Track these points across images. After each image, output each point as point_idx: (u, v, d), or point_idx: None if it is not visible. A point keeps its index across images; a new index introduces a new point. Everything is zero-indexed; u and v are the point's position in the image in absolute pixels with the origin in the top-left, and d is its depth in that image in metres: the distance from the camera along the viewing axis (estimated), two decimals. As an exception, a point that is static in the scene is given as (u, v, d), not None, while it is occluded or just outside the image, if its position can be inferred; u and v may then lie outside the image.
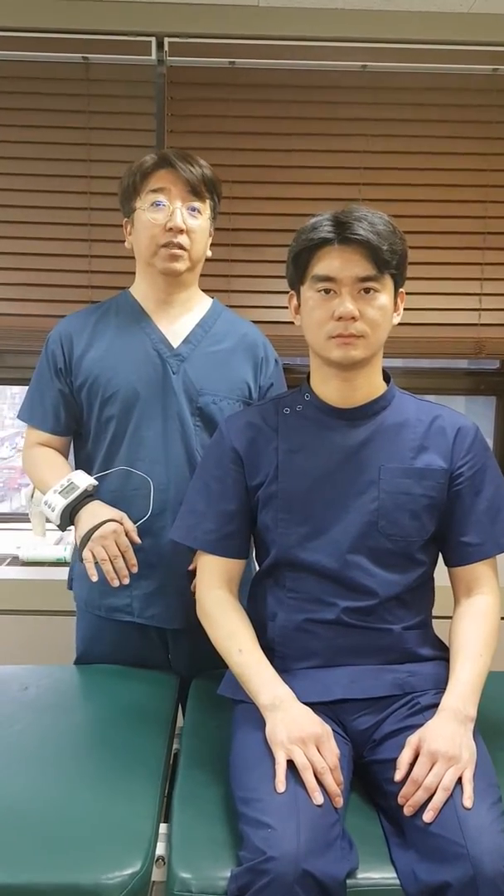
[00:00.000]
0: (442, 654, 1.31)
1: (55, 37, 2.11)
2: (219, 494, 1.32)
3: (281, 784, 1.05)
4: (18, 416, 1.61)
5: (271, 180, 2.22)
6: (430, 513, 1.27)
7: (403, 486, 1.26)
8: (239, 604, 1.33)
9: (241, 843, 1.02)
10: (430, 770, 1.07)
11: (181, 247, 1.45)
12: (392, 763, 1.12)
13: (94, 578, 1.38)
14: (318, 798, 1.04)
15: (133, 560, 1.40)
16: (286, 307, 1.33)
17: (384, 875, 1.03)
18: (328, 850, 0.99)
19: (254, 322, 1.65)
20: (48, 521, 1.49)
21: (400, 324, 1.30)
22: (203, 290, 1.62)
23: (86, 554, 1.38)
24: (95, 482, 1.46)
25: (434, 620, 1.36)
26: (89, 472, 1.51)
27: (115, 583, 1.38)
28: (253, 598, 1.38)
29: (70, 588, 1.65)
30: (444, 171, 2.23)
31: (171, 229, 1.44)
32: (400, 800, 1.07)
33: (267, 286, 2.23)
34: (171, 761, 1.34)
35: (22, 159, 2.19)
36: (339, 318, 1.20)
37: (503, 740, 1.29)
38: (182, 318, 1.55)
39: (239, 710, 1.26)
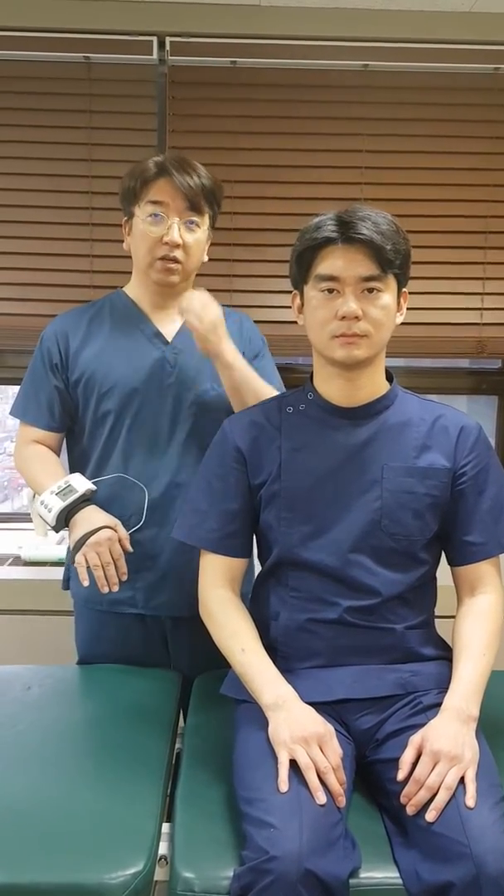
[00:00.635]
0: (444, 653, 1.31)
1: (57, 36, 2.11)
2: (221, 493, 1.32)
3: (284, 784, 1.05)
4: (11, 413, 1.60)
5: (273, 180, 2.22)
6: (433, 512, 1.27)
7: (406, 485, 1.26)
8: (241, 603, 1.33)
9: (243, 842, 1.02)
10: (433, 770, 1.07)
11: (177, 260, 1.46)
12: (395, 762, 1.12)
13: (86, 583, 1.39)
14: (321, 798, 1.04)
15: (124, 569, 1.42)
16: (288, 307, 1.33)
17: (387, 874, 1.03)
18: (331, 850, 0.99)
19: (256, 322, 1.66)
20: (41, 519, 1.49)
21: (402, 323, 1.30)
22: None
23: (79, 559, 1.39)
24: (94, 487, 1.47)
25: (437, 620, 1.36)
26: (85, 468, 1.54)
27: (105, 590, 1.40)
28: (255, 598, 1.38)
29: (66, 588, 1.65)
30: (446, 171, 2.23)
31: (167, 243, 1.45)
32: (402, 799, 1.07)
33: (269, 286, 2.23)
34: (174, 761, 1.34)
35: (24, 159, 2.19)
36: (343, 318, 1.20)
37: (506, 740, 1.29)
38: (175, 315, 1.56)
39: (241, 710, 1.26)
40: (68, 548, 1.63)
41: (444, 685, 1.22)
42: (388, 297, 1.22)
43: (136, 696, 1.46)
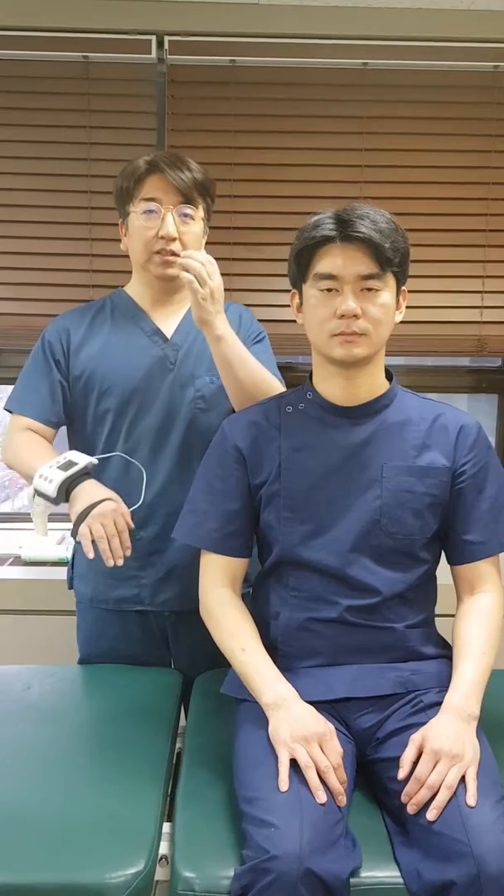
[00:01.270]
0: (445, 652, 1.31)
1: (55, 36, 2.10)
2: (222, 493, 1.32)
3: (284, 783, 1.05)
4: (6, 406, 1.56)
5: (272, 178, 2.21)
6: (432, 511, 1.27)
7: (406, 484, 1.26)
8: (242, 602, 1.33)
9: (244, 841, 1.02)
10: (434, 768, 1.07)
11: (174, 253, 1.46)
12: (395, 761, 1.12)
13: (91, 556, 1.34)
14: (322, 797, 1.04)
15: (128, 542, 1.37)
16: (288, 305, 1.33)
17: (388, 874, 1.03)
18: (331, 849, 0.99)
19: (256, 320, 1.65)
20: (40, 495, 1.39)
21: (402, 321, 1.30)
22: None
23: (83, 530, 1.33)
24: (95, 461, 1.43)
25: (437, 619, 1.36)
26: None
27: (111, 563, 1.34)
28: (256, 597, 1.38)
29: (71, 588, 1.65)
30: (446, 169, 2.22)
31: (162, 237, 1.45)
32: (403, 798, 1.08)
33: (268, 285, 2.23)
34: (174, 760, 1.34)
35: (22, 158, 2.19)
36: (342, 316, 1.20)
37: (506, 738, 1.29)
38: (175, 313, 1.57)
39: (242, 709, 1.26)
40: (75, 548, 1.63)
41: (444, 684, 1.22)
42: (387, 295, 1.22)
43: (137, 696, 1.46)
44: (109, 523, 1.35)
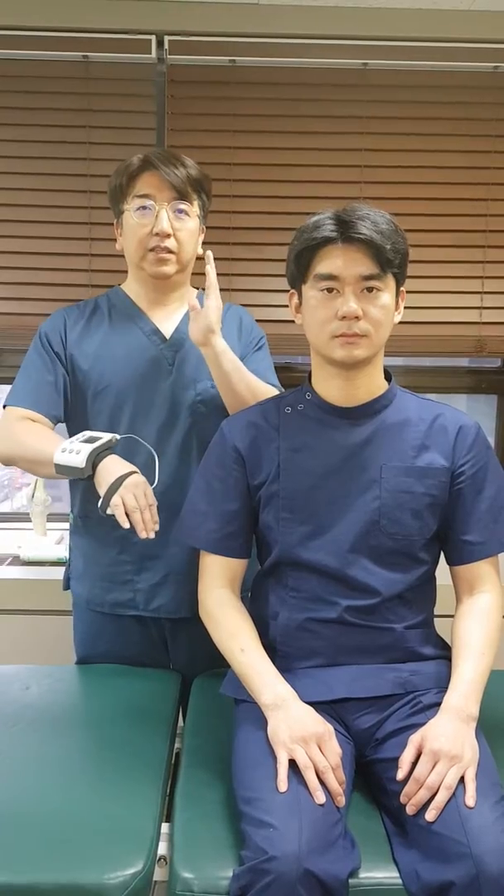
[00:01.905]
0: (444, 652, 1.31)
1: (55, 35, 2.11)
2: (221, 494, 1.32)
3: (283, 783, 1.05)
4: (6, 403, 1.52)
5: (272, 178, 2.21)
6: (431, 511, 1.27)
7: (405, 484, 1.26)
8: (241, 603, 1.33)
9: (243, 842, 1.02)
10: (433, 769, 1.07)
11: (169, 250, 1.45)
12: (394, 762, 1.12)
13: (126, 525, 1.31)
14: (320, 797, 1.04)
15: (157, 517, 1.36)
16: (287, 305, 1.33)
17: (387, 874, 1.03)
18: (330, 850, 0.98)
19: (255, 321, 1.65)
20: (63, 470, 1.36)
21: (401, 322, 1.30)
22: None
23: (116, 500, 1.31)
24: (118, 437, 1.42)
25: (436, 619, 1.36)
26: None
27: (143, 535, 1.33)
28: (255, 598, 1.38)
29: (67, 588, 1.65)
30: (446, 169, 2.23)
31: (157, 234, 1.44)
32: (402, 799, 1.07)
33: (268, 285, 2.23)
34: (173, 761, 1.34)
35: (22, 158, 2.19)
36: (343, 318, 1.20)
37: (505, 739, 1.29)
38: (174, 313, 1.56)
39: (240, 710, 1.26)
40: (70, 547, 1.63)
41: (443, 684, 1.22)
42: (387, 296, 1.22)
43: (136, 696, 1.46)
44: (141, 495, 1.33)
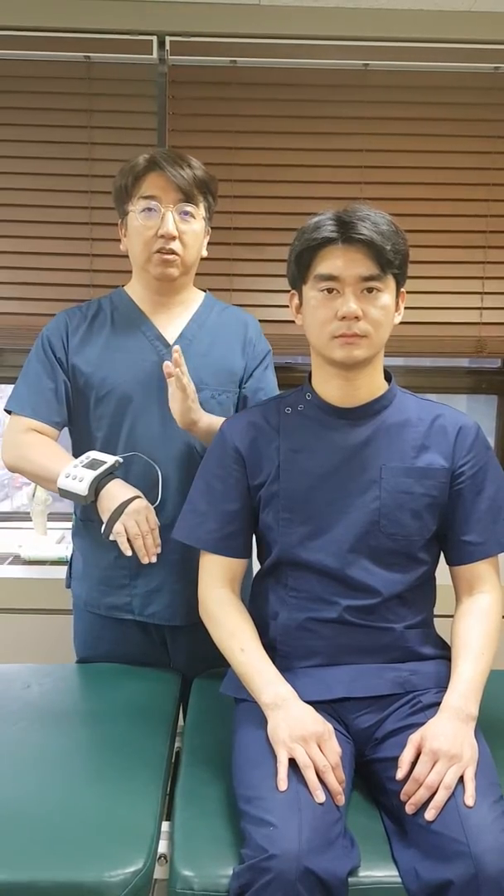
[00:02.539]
0: (443, 652, 1.31)
1: (57, 36, 2.11)
2: (221, 494, 1.33)
3: (283, 782, 1.05)
4: (6, 408, 1.53)
5: (273, 179, 2.22)
6: (431, 512, 1.28)
7: (405, 485, 1.26)
8: (241, 603, 1.33)
9: (243, 841, 1.02)
10: (432, 768, 1.07)
11: (174, 252, 1.45)
12: (394, 761, 1.12)
13: (129, 553, 1.36)
14: (320, 796, 1.04)
15: (159, 540, 1.39)
16: (288, 306, 1.33)
17: (386, 873, 1.04)
18: (330, 848, 0.99)
19: (261, 331, 1.64)
20: (67, 495, 1.39)
21: (401, 322, 1.30)
22: (202, 289, 1.62)
23: (118, 528, 1.36)
24: (121, 459, 1.43)
25: (436, 619, 1.36)
26: None
27: (146, 560, 1.38)
28: (254, 598, 1.38)
29: (69, 587, 1.65)
30: (446, 170, 2.23)
31: (162, 236, 1.43)
32: (402, 798, 1.08)
33: (269, 285, 2.23)
34: (173, 759, 1.34)
35: (24, 158, 2.19)
36: (343, 318, 1.20)
37: (504, 739, 1.29)
38: (178, 316, 1.55)
39: (241, 709, 1.26)
40: (73, 548, 1.63)
41: (443, 684, 1.23)
42: (387, 297, 1.22)
43: (136, 695, 1.46)
44: (143, 521, 1.37)
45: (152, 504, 1.42)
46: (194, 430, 1.43)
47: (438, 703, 1.18)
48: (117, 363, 1.50)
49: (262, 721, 1.16)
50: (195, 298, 1.58)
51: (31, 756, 1.27)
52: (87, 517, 1.54)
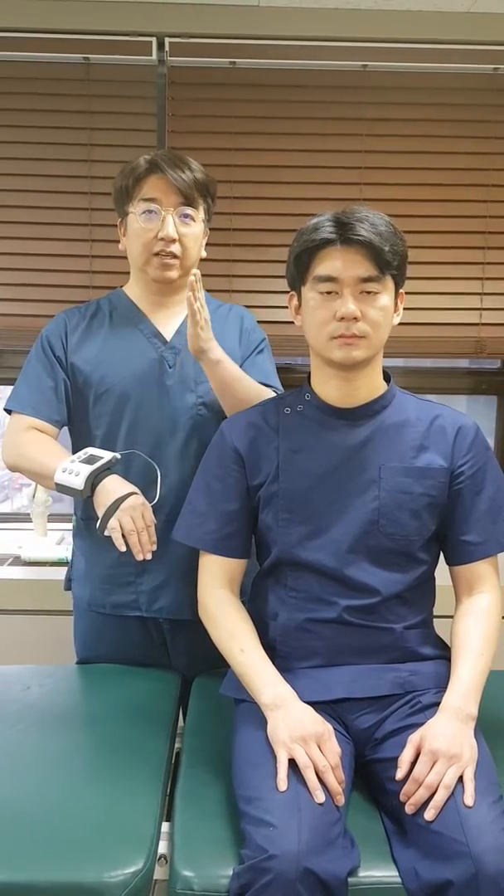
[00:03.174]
0: (443, 652, 1.31)
1: (56, 37, 2.11)
2: (220, 494, 1.33)
3: (282, 783, 1.05)
4: (6, 406, 1.53)
5: (272, 180, 2.22)
6: (430, 512, 1.28)
7: (404, 485, 1.26)
8: (240, 603, 1.33)
9: (242, 841, 1.02)
10: (432, 768, 1.07)
11: (173, 255, 1.45)
12: (393, 762, 1.12)
13: (123, 549, 1.35)
14: (320, 796, 1.04)
15: (154, 537, 1.38)
16: (287, 307, 1.33)
17: (386, 873, 1.04)
18: (330, 849, 0.99)
19: (257, 323, 1.65)
20: (63, 489, 1.38)
21: (401, 323, 1.31)
22: (205, 290, 1.62)
23: (113, 523, 1.34)
24: (119, 455, 1.43)
25: (435, 619, 1.36)
26: None
27: (140, 557, 1.36)
28: (254, 598, 1.39)
29: (68, 589, 1.65)
30: (445, 171, 2.23)
31: (162, 239, 1.44)
32: (401, 798, 1.08)
33: (268, 286, 2.24)
34: (173, 760, 1.34)
35: (23, 160, 2.20)
36: (342, 319, 1.20)
37: (504, 739, 1.30)
38: (175, 315, 1.55)
39: (240, 710, 1.26)
40: (73, 549, 1.63)
41: (442, 684, 1.23)
42: (386, 298, 1.22)
43: (136, 696, 1.46)
44: (138, 517, 1.36)
45: (150, 502, 1.42)
46: (203, 360, 1.41)
47: (438, 704, 1.18)
48: (116, 361, 1.51)
49: (262, 721, 1.16)
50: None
51: (31, 757, 1.27)
52: (87, 516, 1.54)
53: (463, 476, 1.28)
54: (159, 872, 1.07)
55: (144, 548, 1.37)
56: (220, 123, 2.20)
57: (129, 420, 1.50)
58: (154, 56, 2.13)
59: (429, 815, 1.04)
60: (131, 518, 1.35)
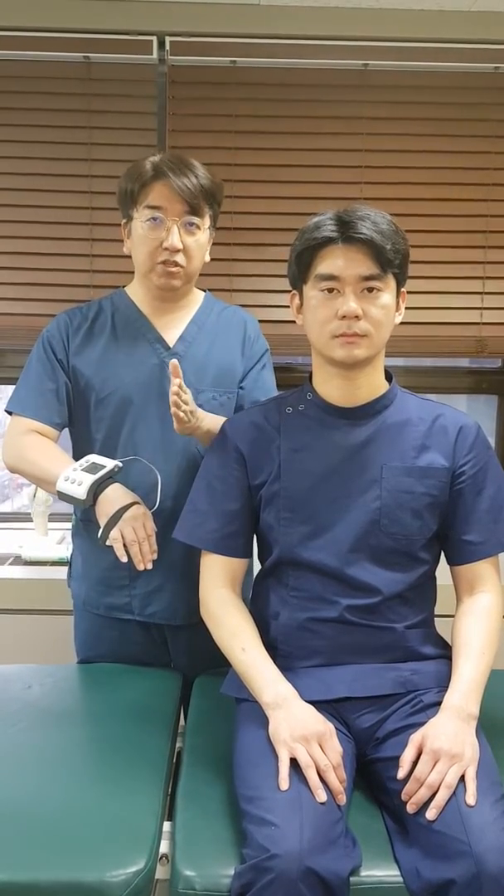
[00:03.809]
0: (444, 652, 1.31)
1: (57, 36, 2.11)
2: (222, 494, 1.33)
3: (284, 782, 1.05)
4: (7, 408, 1.52)
5: (273, 179, 2.22)
6: (431, 511, 1.28)
7: (405, 484, 1.26)
8: (242, 603, 1.33)
9: (244, 840, 1.02)
10: (433, 768, 1.07)
11: (177, 265, 1.44)
12: (395, 761, 1.12)
13: (124, 559, 1.36)
14: (322, 796, 1.04)
15: (155, 546, 1.39)
16: (288, 306, 1.33)
17: (387, 872, 1.04)
18: (331, 848, 0.99)
19: (260, 328, 1.64)
20: (65, 498, 1.38)
21: (401, 322, 1.30)
22: (201, 289, 1.62)
23: (115, 534, 1.35)
24: (120, 464, 1.43)
25: (437, 619, 1.36)
26: None
27: (141, 567, 1.37)
28: (255, 597, 1.39)
29: (70, 586, 1.65)
30: (446, 170, 2.23)
31: (167, 248, 1.42)
32: (403, 797, 1.08)
33: (269, 285, 2.23)
34: (175, 759, 1.34)
35: (23, 158, 2.19)
36: (343, 318, 1.20)
37: (506, 738, 1.29)
38: (178, 319, 1.55)
39: (242, 709, 1.26)
40: (74, 545, 1.63)
41: (444, 684, 1.23)
42: (387, 296, 1.22)
43: (137, 695, 1.46)
44: (140, 527, 1.37)
45: (151, 508, 1.42)
46: (195, 435, 1.42)
47: (439, 703, 1.18)
48: (118, 366, 1.50)
49: (264, 721, 1.16)
50: (195, 299, 1.58)
51: (32, 756, 1.27)
52: (86, 517, 1.54)
53: (464, 476, 1.28)
54: (161, 872, 1.07)
55: (145, 558, 1.37)
56: (220, 122, 2.20)
57: (129, 425, 1.49)
58: (155, 55, 2.12)
59: (430, 814, 1.04)
60: (133, 528, 1.36)
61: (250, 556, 1.38)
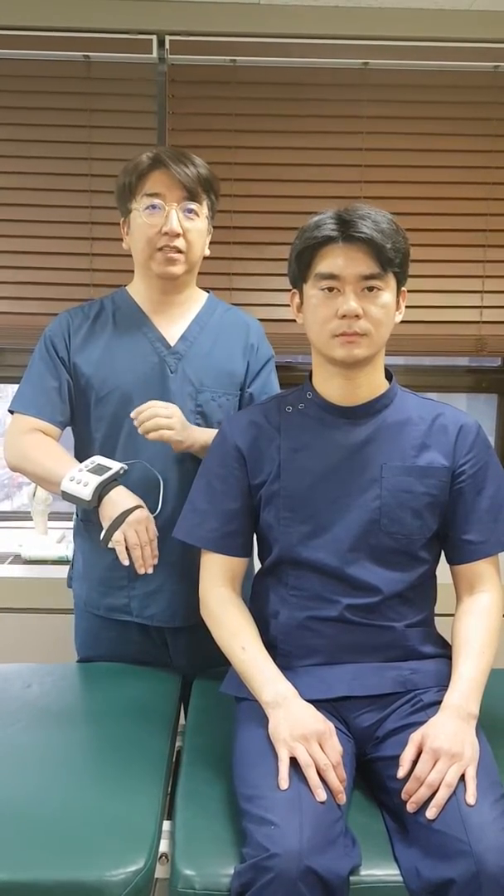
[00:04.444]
0: (444, 651, 1.31)
1: (57, 35, 2.11)
2: (222, 493, 1.33)
3: (284, 781, 1.05)
4: (11, 407, 1.52)
5: (273, 178, 2.22)
6: (431, 511, 1.28)
7: (405, 484, 1.26)
8: (242, 602, 1.33)
9: (244, 839, 1.02)
10: (433, 767, 1.07)
11: (178, 250, 1.44)
12: (395, 760, 1.12)
13: (126, 563, 1.36)
14: (321, 795, 1.04)
15: (156, 551, 1.39)
16: (288, 305, 1.33)
17: (387, 872, 1.04)
18: (331, 847, 0.99)
19: (265, 334, 1.64)
20: (70, 498, 1.39)
21: (402, 321, 1.30)
22: (205, 289, 1.61)
23: (118, 536, 1.35)
24: (126, 466, 1.43)
25: (437, 618, 1.36)
26: None
27: (142, 571, 1.37)
28: (255, 596, 1.38)
29: (70, 586, 1.65)
30: (446, 169, 2.23)
31: (166, 233, 1.42)
32: (403, 797, 1.08)
33: (269, 284, 2.24)
34: (174, 759, 1.34)
35: (24, 158, 2.19)
36: (343, 317, 1.20)
37: (506, 737, 1.29)
38: (180, 317, 1.54)
39: (241, 708, 1.26)
40: (75, 545, 1.63)
41: (444, 683, 1.23)
42: (388, 295, 1.22)
43: (137, 695, 1.46)
44: (143, 531, 1.37)
45: (154, 512, 1.42)
46: (192, 450, 1.43)
47: (439, 702, 1.18)
48: (118, 364, 1.50)
49: (263, 720, 1.16)
50: (198, 299, 1.58)
51: (31, 755, 1.27)
52: (87, 517, 1.54)
53: (464, 475, 1.28)
54: (160, 871, 1.07)
55: (147, 562, 1.38)
56: (220, 121, 2.20)
57: (129, 424, 1.48)
58: (154, 54, 2.12)
59: (430, 813, 1.03)
60: (136, 532, 1.36)
61: (250, 555, 1.38)
